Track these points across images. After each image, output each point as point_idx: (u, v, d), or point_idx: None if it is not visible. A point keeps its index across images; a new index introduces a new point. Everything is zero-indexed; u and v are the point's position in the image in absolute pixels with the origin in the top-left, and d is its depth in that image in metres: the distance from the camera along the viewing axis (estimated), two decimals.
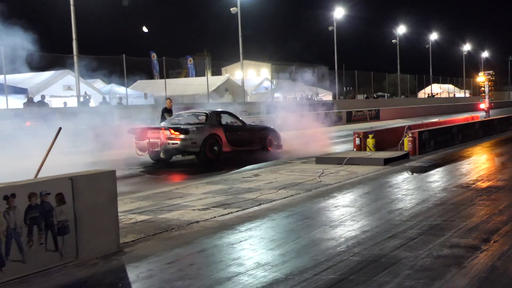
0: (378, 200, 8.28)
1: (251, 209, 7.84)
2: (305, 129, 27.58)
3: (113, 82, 34.05)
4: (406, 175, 10.90)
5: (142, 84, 39.53)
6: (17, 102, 25.77)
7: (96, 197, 5.59)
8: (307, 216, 7.26)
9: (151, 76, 42.03)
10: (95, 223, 5.57)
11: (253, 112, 32.37)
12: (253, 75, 62.26)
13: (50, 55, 29.19)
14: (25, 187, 4.97)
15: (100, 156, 16.81)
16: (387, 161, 12.43)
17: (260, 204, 8.20)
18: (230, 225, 6.88)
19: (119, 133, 16.14)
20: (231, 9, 34.57)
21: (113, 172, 5.79)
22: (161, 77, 38.84)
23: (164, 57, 31.28)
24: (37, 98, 26.78)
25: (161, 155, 13.91)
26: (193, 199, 8.85)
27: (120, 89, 31.85)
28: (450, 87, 69.30)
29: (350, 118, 34.50)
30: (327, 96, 44.86)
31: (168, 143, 13.54)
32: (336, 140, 20.66)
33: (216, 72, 66.16)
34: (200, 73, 58.05)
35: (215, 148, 14.24)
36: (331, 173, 11.33)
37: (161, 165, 14.10)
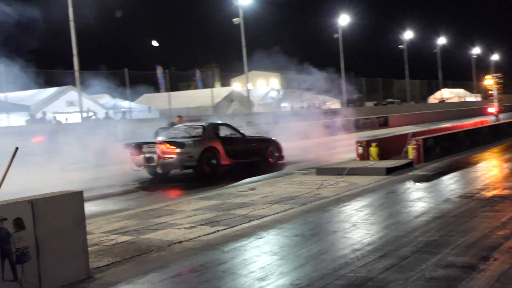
0: (374, 214, 7.81)
1: (239, 227, 7.42)
2: (310, 138, 27.20)
3: (119, 96, 33.87)
4: (407, 185, 10.41)
5: (148, 98, 39.32)
6: (19, 119, 25.64)
7: (60, 221, 5.19)
8: (296, 234, 6.82)
9: (158, 90, 41.85)
10: (60, 249, 5.18)
11: (260, 123, 31.92)
12: (262, 85, 61.83)
13: (53, 71, 29.16)
14: None
15: (98, 172, 16.52)
16: (390, 171, 11.94)
17: (250, 221, 7.77)
18: (214, 245, 6.46)
19: (119, 148, 15.77)
20: (233, 20, 34.29)
21: (80, 193, 5.39)
22: (168, 90, 38.70)
23: (167, 70, 31.09)
24: (39, 115, 26.64)
25: (158, 170, 13.54)
26: (182, 216, 8.46)
27: (125, 103, 31.68)
28: (460, 91, 68.40)
29: (358, 126, 33.94)
30: (334, 104, 44.31)
31: (164, 158, 13.17)
32: (340, 149, 20.14)
33: (226, 83, 65.84)
34: (209, 85, 57.87)
35: (213, 161, 13.85)
36: (330, 184, 10.88)
37: (158, 180, 13.73)
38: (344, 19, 43.26)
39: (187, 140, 13.53)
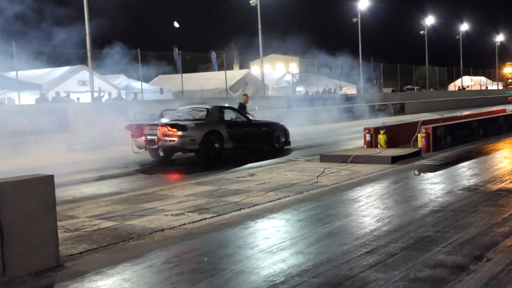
0: (370, 206, 7.45)
1: (227, 215, 7.12)
2: (322, 123, 26.80)
3: (136, 77, 33.55)
4: (411, 175, 10.01)
5: (163, 79, 39.10)
6: (31, 98, 25.60)
7: (28, 207, 4.94)
8: (284, 225, 6.51)
9: (176, 71, 41.51)
10: (27, 235, 4.93)
11: (274, 107, 31.51)
12: (281, 69, 61.22)
13: (68, 50, 28.97)
14: None
15: (101, 153, 16.40)
16: (395, 160, 11.54)
17: (240, 209, 7.47)
18: (196, 234, 6.18)
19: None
20: (250, 1, 33.77)
21: (50, 177, 5.13)
22: (184, 71, 38.38)
23: (180, 51, 30.67)
24: (51, 95, 26.56)
25: (160, 153, 13.29)
26: (173, 202, 8.19)
27: (138, 84, 31.43)
28: (482, 79, 67.04)
29: (373, 112, 33.38)
30: (351, 90, 43.70)
31: (166, 140, 12.91)
32: (351, 135, 19.75)
33: (245, 66, 65.37)
34: (227, 67, 57.40)
35: (216, 145, 13.56)
36: (332, 172, 10.53)
37: (159, 163, 13.48)
38: (363, 3, 42.43)
39: (190, 123, 13.23)
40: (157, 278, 4.76)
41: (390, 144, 13.77)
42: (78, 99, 26.11)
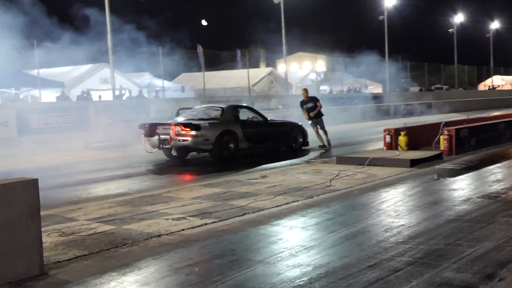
0: (381, 213, 7.04)
1: (229, 221, 6.80)
2: (345, 123, 26.29)
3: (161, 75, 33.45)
4: (429, 180, 9.54)
5: (187, 77, 39.00)
6: (53, 96, 25.69)
7: (8, 212, 4.69)
8: (286, 233, 6.15)
9: (199, 69, 41.35)
10: (8, 242, 4.68)
11: (297, 106, 31.09)
12: (308, 67, 60.67)
13: (91, 47, 29.02)
14: None
15: (118, 151, 16.27)
16: (415, 163, 11.07)
17: (244, 214, 7.15)
18: (192, 242, 5.88)
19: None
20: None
21: (34, 181, 4.87)
22: (210, 69, 38.17)
23: (202, 49, 30.44)
24: (73, 92, 26.64)
25: (173, 153, 13.05)
26: (177, 205, 7.91)
27: (161, 82, 31.32)
28: None
29: (399, 112, 32.66)
30: (377, 89, 42.96)
31: (178, 140, 12.66)
32: (373, 136, 19.24)
33: (271, 64, 64.98)
34: (253, 65, 57.07)
35: (231, 145, 13.26)
36: (347, 175, 10.12)
37: (172, 163, 13.24)
38: (390, 1, 41.65)
39: (204, 122, 12.95)
40: None
41: (411, 146, 13.28)
42: (100, 97, 26.12)
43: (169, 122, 13.42)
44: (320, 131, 15.64)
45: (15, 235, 4.75)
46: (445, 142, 12.71)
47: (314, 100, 15.84)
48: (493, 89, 58.74)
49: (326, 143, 15.60)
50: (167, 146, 12.96)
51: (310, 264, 4.95)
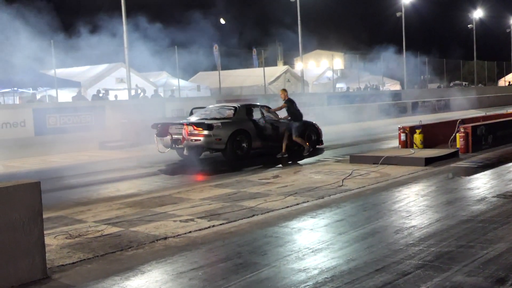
0: (392, 213, 6.89)
1: (237, 222, 6.71)
2: (362, 121, 26.05)
3: (178, 74, 33.47)
4: (444, 179, 9.34)
5: (203, 76, 39.02)
6: (70, 95, 25.84)
7: (11, 215, 4.65)
8: (294, 235, 6.04)
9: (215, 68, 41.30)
10: (10, 246, 4.64)
11: (313, 104, 30.92)
12: (325, 65, 60.32)
13: (108, 47, 29.12)
14: None
15: (132, 151, 16.30)
16: (429, 161, 10.87)
17: (252, 216, 7.05)
18: (198, 244, 5.79)
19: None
20: None
21: (36, 184, 4.82)
22: (226, 68, 38.09)
23: (217, 47, 30.38)
24: (90, 92, 26.77)
25: (185, 152, 12.99)
26: (186, 206, 7.84)
27: (177, 81, 31.36)
28: None
29: (416, 109, 32.27)
30: (394, 86, 42.54)
31: (191, 140, 12.60)
32: (389, 134, 19.00)
33: (289, 62, 64.76)
34: (271, 64, 56.85)
35: (244, 145, 13.16)
36: (360, 175, 9.97)
37: (185, 163, 13.18)
38: None
39: (216, 122, 12.87)
40: None
41: (426, 144, 13.07)
42: (116, 96, 26.21)
43: (181, 121, 13.36)
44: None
45: (18, 239, 4.70)
46: (461, 140, 12.47)
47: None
48: None
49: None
50: (179, 146, 12.91)
51: (316, 268, 4.84)
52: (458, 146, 12.56)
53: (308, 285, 4.42)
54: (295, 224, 6.52)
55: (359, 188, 8.73)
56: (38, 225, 4.86)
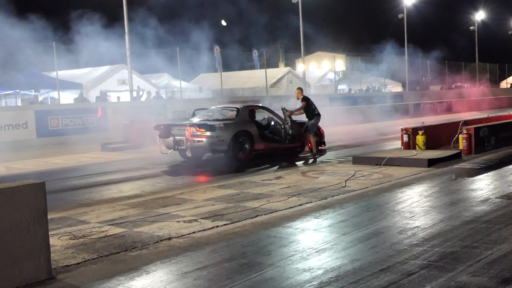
0: (395, 214, 6.89)
1: (241, 223, 6.71)
2: (363, 123, 26.04)
3: (177, 76, 33.49)
4: (447, 180, 9.34)
5: (204, 77, 39.02)
6: (72, 97, 25.88)
7: (15, 216, 4.66)
8: (298, 236, 6.04)
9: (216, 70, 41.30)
10: (14, 246, 4.65)
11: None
12: (327, 66, 60.32)
13: (109, 49, 29.16)
14: None
15: (133, 153, 16.30)
16: (432, 162, 10.87)
17: (256, 216, 7.05)
18: (203, 245, 5.79)
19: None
20: None
21: (41, 185, 4.83)
22: (228, 69, 38.12)
23: (218, 49, 30.39)
24: (91, 94, 26.80)
25: (187, 154, 12.99)
26: (189, 207, 7.84)
27: (178, 83, 31.38)
28: None
29: (418, 111, 32.27)
30: (396, 88, 42.52)
31: (194, 141, 12.59)
32: (392, 135, 19.00)
33: (290, 64, 64.78)
34: (273, 65, 56.82)
35: (246, 146, 13.16)
36: (363, 176, 9.97)
37: (188, 164, 13.18)
38: None
39: (219, 123, 12.87)
40: None
41: (429, 145, 13.06)
42: (118, 98, 26.24)
43: (184, 123, 13.36)
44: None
45: (22, 239, 4.71)
46: (464, 141, 12.47)
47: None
48: None
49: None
50: (182, 147, 12.90)
51: (321, 268, 4.84)
52: (460, 147, 12.57)
53: (313, 284, 4.43)
54: (299, 224, 6.52)
55: (362, 189, 8.73)
56: (43, 226, 4.86)
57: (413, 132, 13.22)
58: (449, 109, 35.25)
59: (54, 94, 25.38)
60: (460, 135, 12.78)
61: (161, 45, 30.78)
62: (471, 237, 5.60)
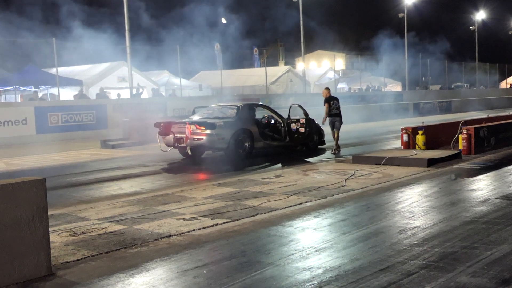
0: (395, 213, 6.89)
1: (241, 221, 6.72)
2: (363, 122, 26.05)
3: (178, 73, 33.45)
4: (446, 180, 9.34)
5: (204, 75, 39.02)
6: (72, 94, 25.88)
7: (15, 212, 4.66)
8: (298, 235, 6.04)
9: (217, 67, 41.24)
10: (15, 243, 4.65)
11: (315, 104, 30.89)
12: (327, 65, 60.28)
13: (109, 45, 29.11)
14: None
15: (134, 150, 16.30)
16: (432, 162, 10.87)
17: (256, 214, 7.06)
18: (202, 243, 5.79)
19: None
20: None
21: (41, 181, 4.83)
22: (229, 67, 38.07)
23: (218, 46, 30.37)
24: (91, 91, 26.78)
25: (188, 151, 12.99)
26: (189, 204, 7.84)
27: (178, 80, 31.34)
28: None
29: (418, 110, 32.27)
30: (396, 87, 42.52)
31: (194, 139, 12.59)
32: (391, 135, 19.01)
33: (290, 63, 64.74)
34: (273, 64, 56.80)
35: (246, 144, 13.16)
36: (363, 175, 9.97)
37: (187, 162, 13.18)
38: None
39: (219, 121, 12.87)
40: None
41: (429, 145, 13.06)
42: (118, 95, 26.22)
43: (184, 120, 13.35)
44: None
45: (23, 235, 4.71)
46: (464, 141, 12.47)
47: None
48: None
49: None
50: (182, 145, 12.90)
51: (320, 267, 4.84)
52: (460, 147, 12.57)
53: (312, 284, 4.43)
54: (299, 223, 6.53)
55: (362, 188, 8.74)
56: (43, 222, 4.86)
57: (413, 131, 13.22)
58: (448, 109, 35.27)
59: (54, 90, 25.38)
60: (460, 135, 12.78)
61: (161, 42, 30.75)
62: (471, 238, 5.60)
